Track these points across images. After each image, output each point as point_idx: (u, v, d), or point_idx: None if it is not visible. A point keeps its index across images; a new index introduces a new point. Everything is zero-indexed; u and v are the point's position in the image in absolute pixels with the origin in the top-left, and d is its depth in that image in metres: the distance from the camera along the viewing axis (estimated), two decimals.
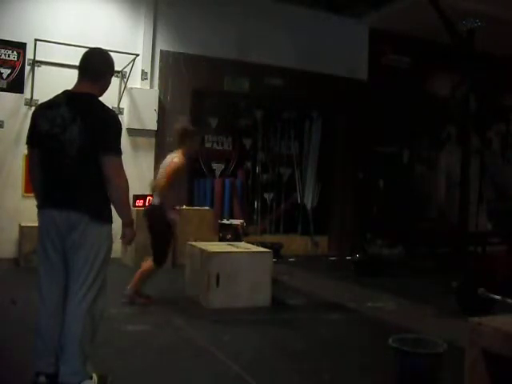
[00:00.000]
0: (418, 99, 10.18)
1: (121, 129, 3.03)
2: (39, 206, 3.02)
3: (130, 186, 3.01)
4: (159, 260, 5.23)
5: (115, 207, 2.99)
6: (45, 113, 2.93)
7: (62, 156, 2.85)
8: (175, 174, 5.14)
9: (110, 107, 3.12)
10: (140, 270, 5.32)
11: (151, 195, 5.66)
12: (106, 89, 3.12)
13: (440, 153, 11.32)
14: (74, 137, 2.82)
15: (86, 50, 3.15)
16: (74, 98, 2.94)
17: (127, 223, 3.07)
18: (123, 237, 3.11)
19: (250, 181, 10.02)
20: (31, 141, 3.02)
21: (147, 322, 4.64)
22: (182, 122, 5.71)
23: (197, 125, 5.73)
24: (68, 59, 7.43)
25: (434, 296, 6.12)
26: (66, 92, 2.99)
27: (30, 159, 3.07)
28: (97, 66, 3.04)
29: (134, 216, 4.52)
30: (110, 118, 2.96)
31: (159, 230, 5.20)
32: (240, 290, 5.29)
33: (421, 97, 10.32)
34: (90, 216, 2.86)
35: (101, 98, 3.05)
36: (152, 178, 5.63)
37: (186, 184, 5.40)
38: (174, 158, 5.22)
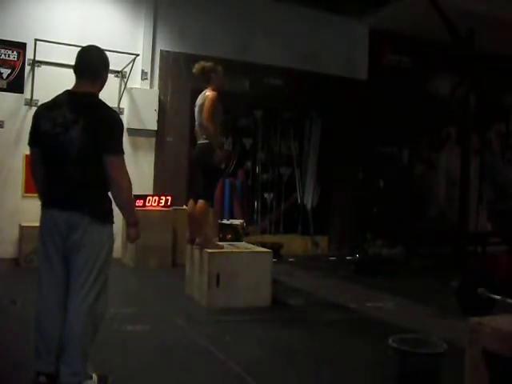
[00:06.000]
0: (418, 99, 10.18)
1: (123, 129, 3.05)
2: (42, 206, 3.03)
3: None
4: (208, 197, 5.41)
5: (119, 208, 2.98)
6: (46, 113, 2.93)
7: (63, 156, 2.85)
8: (214, 106, 5.35)
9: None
10: (196, 218, 5.44)
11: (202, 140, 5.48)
12: (105, 84, 3.12)
13: (440, 153, 11.32)
14: (75, 137, 2.81)
15: (80, 48, 3.11)
16: (75, 98, 2.93)
17: (132, 223, 3.07)
18: (128, 237, 3.12)
19: (250, 181, 10.02)
20: (33, 141, 3.01)
21: (147, 321, 4.63)
22: (199, 63, 5.66)
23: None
24: (68, 59, 7.36)
25: (433, 296, 6.12)
26: (67, 92, 2.98)
27: (32, 159, 3.06)
28: (93, 63, 3.03)
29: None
30: (112, 119, 2.96)
31: (209, 167, 5.36)
32: (240, 290, 5.29)
33: (421, 97, 10.32)
34: (91, 216, 2.86)
35: (101, 98, 3.04)
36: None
37: (223, 117, 5.65)
38: (207, 93, 5.44)
